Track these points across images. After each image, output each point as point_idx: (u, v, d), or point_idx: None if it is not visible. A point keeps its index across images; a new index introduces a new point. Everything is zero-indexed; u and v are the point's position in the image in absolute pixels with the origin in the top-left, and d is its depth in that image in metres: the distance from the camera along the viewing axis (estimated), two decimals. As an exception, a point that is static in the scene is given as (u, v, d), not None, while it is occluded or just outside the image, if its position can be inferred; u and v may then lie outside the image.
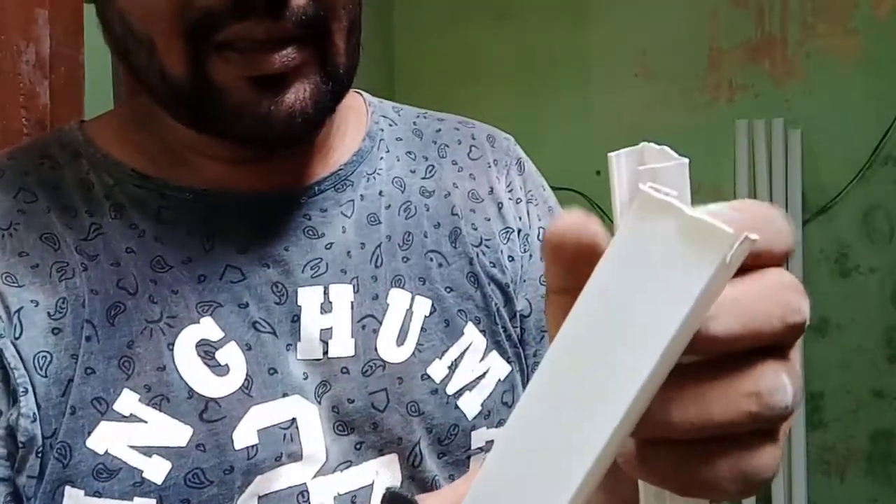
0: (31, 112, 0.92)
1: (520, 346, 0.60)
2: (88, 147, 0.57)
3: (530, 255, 0.62)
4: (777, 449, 0.27)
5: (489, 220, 0.62)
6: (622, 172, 0.29)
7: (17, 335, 0.49)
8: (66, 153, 0.56)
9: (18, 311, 0.49)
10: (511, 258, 0.62)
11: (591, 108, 2.35)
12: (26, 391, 0.48)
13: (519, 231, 0.63)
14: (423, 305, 0.57)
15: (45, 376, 0.49)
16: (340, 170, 0.59)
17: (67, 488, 0.47)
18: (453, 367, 0.57)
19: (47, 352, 0.49)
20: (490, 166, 0.65)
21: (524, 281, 0.62)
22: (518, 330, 0.61)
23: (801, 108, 2.25)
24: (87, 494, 0.47)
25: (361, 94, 0.67)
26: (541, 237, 0.63)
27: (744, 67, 2.31)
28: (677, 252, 0.24)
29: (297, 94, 0.50)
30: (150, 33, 0.49)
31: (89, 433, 0.48)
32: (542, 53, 2.36)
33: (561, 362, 0.26)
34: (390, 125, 0.66)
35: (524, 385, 0.60)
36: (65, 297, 0.50)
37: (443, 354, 0.57)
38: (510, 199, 0.64)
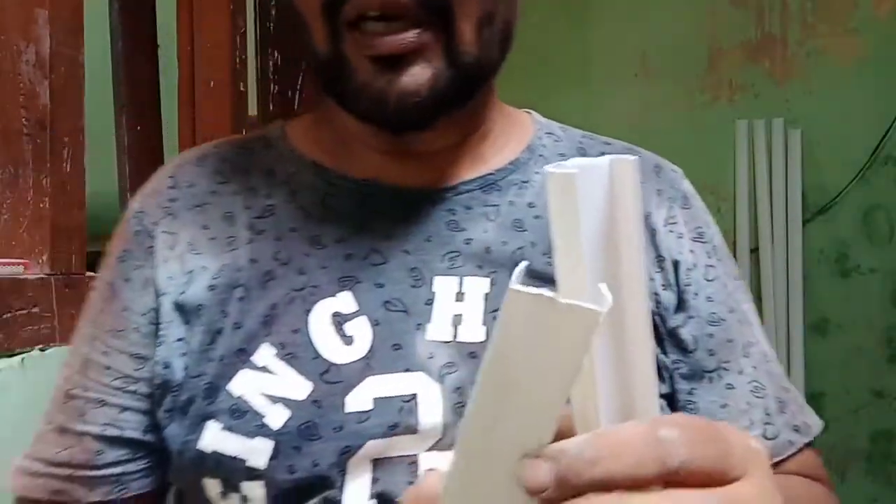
0: (31, 112, 0.92)
1: (668, 373, 0.61)
2: (280, 141, 0.65)
3: (696, 293, 0.62)
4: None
5: None
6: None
7: (184, 291, 0.58)
8: (261, 145, 0.65)
9: (191, 272, 0.58)
10: (664, 286, 0.62)
11: (592, 108, 2.35)
12: (171, 342, 0.57)
13: (676, 263, 0.62)
14: None
15: (200, 326, 0.57)
16: (490, 174, 0.62)
17: (210, 422, 0.54)
18: None
19: (202, 305, 0.57)
20: (650, 195, 0.64)
21: (691, 318, 0.62)
22: (672, 357, 0.61)
23: (801, 108, 2.25)
24: (222, 429, 0.54)
25: (531, 114, 0.70)
26: (709, 277, 0.63)
27: (744, 67, 2.31)
28: (552, 333, 0.29)
29: (414, 76, 0.53)
30: (305, 16, 0.55)
31: (230, 378, 0.54)
32: (542, 53, 2.36)
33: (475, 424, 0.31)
34: (555, 141, 0.67)
35: (672, 408, 0.61)
36: (226, 264, 0.58)
37: None
38: (669, 230, 0.63)
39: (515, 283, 0.29)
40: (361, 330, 0.56)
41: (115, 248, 0.63)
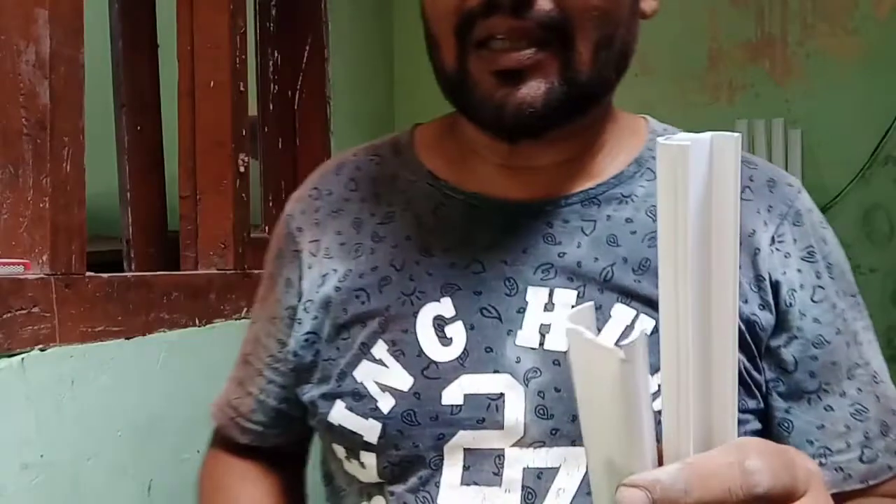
0: (31, 112, 0.91)
1: (760, 390, 0.63)
2: (407, 148, 0.71)
3: (802, 314, 0.63)
4: None
5: (740, 266, 0.59)
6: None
7: (317, 291, 0.67)
8: (390, 151, 0.71)
9: (325, 275, 0.68)
10: (761, 307, 0.62)
11: (591, 108, 2.35)
12: (307, 332, 0.67)
13: (777, 284, 0.63)
14: (646, 324, 0.61)
15: (329, 321, 0.66)
16: (592, 188, 0.65)
17: (338, 401, 0.64)
18: None
19: (330, 302, 0.67)
20: (759, 211, 0.64)
21: (794, 339, 0.63)
22: (769, 375, 0.63)
23: (801, 108, 2.25)
24: (345, 408, 0.64)
25: (647, 120, 0.72)
26: (816, 298, 0.63)
27: (744, 67, 2.31)
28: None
29: (531, 90, 0.57)
30: (436, 34, 0.60)
31: (355, 367, 0.64)
32: (542, 53, 2.36)
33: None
34: None
35: (764, 424, 0.63)
36: (351, 269, 0.67)
37: (656, 372, 0.55)
38: (775, 249, 0.63)
39: (570, 323, 0.34)
40: (458, 333, 0.63)
41: (274, 245, 0.74)
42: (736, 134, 0.33)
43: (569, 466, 0.60)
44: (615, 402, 0.34)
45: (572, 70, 0.58)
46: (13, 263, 0.90)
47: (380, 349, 0.64)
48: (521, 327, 0.62)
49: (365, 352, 0.64)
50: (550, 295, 0.62)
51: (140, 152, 1.35)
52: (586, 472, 0.57)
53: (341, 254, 0.68)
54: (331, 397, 0.65)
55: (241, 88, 1.40)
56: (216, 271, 1.34)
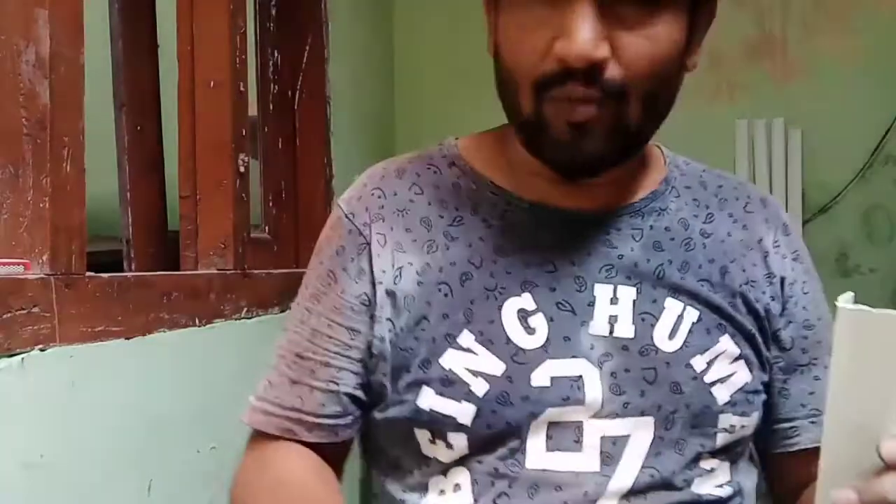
0: (31, 112, 0.91)
1: (769, 366, 0.78)
2: (460, 160, 0.79)
3: (795, 303, 0.79)
4: None
5: (755, 265, 0.78)
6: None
7: (395, 282, 0.74)
8: (444, 162, 0.80)
9: (400, 268, 0.74)
10: (773, 298, 0.78)
11: (591, 108, 2.35)
12: (383, 321, 0.73)
13: (783, 279, 0.79)
14: (692, 314, 0.74)
15: (409, 311, 0.73)
16: (637, 202, 0.78)
17: (425, 387, 0.71)
18: (710, 363, 0.73)
19: (412, 295, 0.73)
20: (761, 223, 0.81)
21: (790, 323, 0.79)
22: (773, 353, 0.78)
23: (801, 108, 2.25)
24: (435, 393, 0.70)
25: (660, 148, 0.84)
26: (805, 290, 0.80)
27: (744, 67, 2.31)
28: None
29: (595, 140, 0.68)
30: (516, 80, 0.69)
31: (440, 355, 0.71)
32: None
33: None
34: (681, 174, 0.82)
35: (768, 394, 0.78)
36: (429, 263, 0.74)
37: (704, 352, 0.73)
38: (776, 252, 0.80)
39: (841, 304, 0.43)
40: (540, 323, 0.72)
41: (331, 244, 0.78)
42: None
43: (638, 433, 0.71)
44: (891, 366, 0.43)
45: (625, 121, 0.68)
46: (13, 263, 0.90)
47: (467, 339, 0.71)
48: (592, 318, 0.73)
49: (451, 341, 0.71)
50: (614, 290, 0.74)
51: (140, 152, 1.35)
52: (653, 438, 0.71)
53: (414, 248, 0.75)
54: (417, 384, 0.71)
55: (241, 88, 1.40)
56: (216, 271, 1.34)
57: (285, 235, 1.72)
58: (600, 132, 0.68)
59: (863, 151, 2.23)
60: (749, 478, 0.78)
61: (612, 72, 0.66)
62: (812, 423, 0.78)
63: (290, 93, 1.78)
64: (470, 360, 0.71)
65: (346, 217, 0.77)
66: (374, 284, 0.74)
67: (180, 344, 1.15)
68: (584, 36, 0.64)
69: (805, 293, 0.80)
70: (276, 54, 1.73)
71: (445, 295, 0.73)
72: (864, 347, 0.45)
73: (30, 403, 0.87)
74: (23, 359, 0.86)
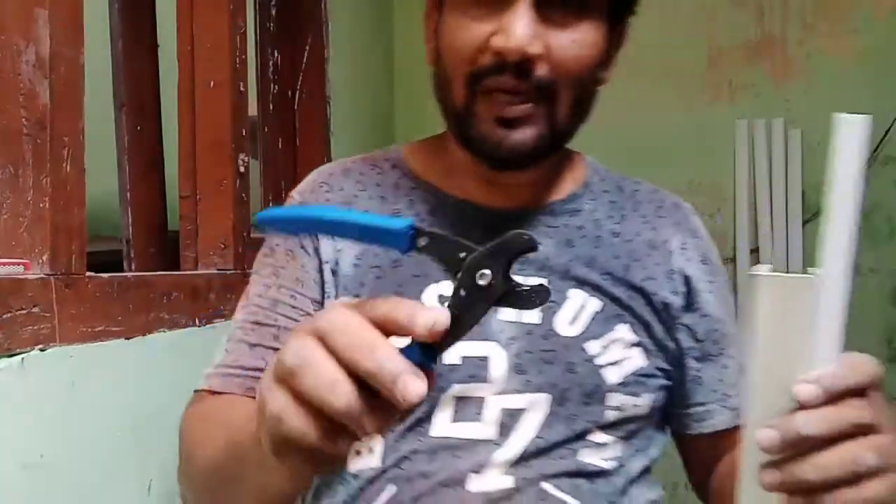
0: (31, 112, 0.91)
1: (666, 352, 0.85)
2: (402, 163, 0.88)
3: (706, 301, 0.87)
4: (877, 486, 0.52)
5: (658, 264, 0.86)
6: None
7: (337, 263, 0.82)
8: (388, 164, 0.89)
9: (340, 250, 0.82)
10: (674, 293, 0.86)
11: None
12: (331, 298, 0.81)
13: (688, 278, 0.87)
14: (594, 304, 0.82)
15: (346, 290, 0.81)
16: (552, 203, 0.86)
17: None
18: (605, 348, 0.81)
19: (348, 275, 0.81)
20: (669, 226, 0.89)
21: (703, 317, 0.87)
22: (686, 344, 0.86)
23: (801, 108, 2.25)
24: None
25: (583, 155, 0.93)
26: (711, 290, 0.87)
27: (744, 67, 2.31)
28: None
29: (524, 135, 0.75)
30: (449, 75, 0.77)
31: None
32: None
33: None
34: (601, 180, 0.91)
35: (681, 381, 0.87)
36: (366, 248, 0.81)
37: (599, 338, 0.81)
38: (682, 253, 0.88)
39: (758, 271, 0.52)
40: None
41: None
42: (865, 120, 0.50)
43: (535, 407, 0.78)
44: (803, 322, 0.51)
45: (554, 120, 0.76)
46: (13, 263, 0.90)
47: None
48: None
49: None
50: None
51: (140, 152, 1.35)
52: (548, 412, 0.78)
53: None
54: None
55: (241, 88, 1.40)
56: (216, 271, 1.34)
57: (285, 235, 1.72)
58: (529, 129, 0.75)
59: (863, 151, 2.23)
60: (646, 453, 0.85)
61: (542, 69, 0.73)
62: (723, 406, 0.87)
63: (290, 93, 1.78)
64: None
65: (300, 204, 0.87)
66: (321, 263, 0.82)
67: (180, 344, 1.15)
68: (520, 31, 0.71)
69: (711, 292, 0.87)
70: (276, 54, 1.73)
71: (378, 277, 0.81)
72: (780, 308, 0.52)
73: (30, 403, 0.87)
74: (23, 359, 0.85)
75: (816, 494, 0.52)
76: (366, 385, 0.46)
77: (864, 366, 0.55)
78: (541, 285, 0.51)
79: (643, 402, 0.82)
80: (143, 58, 1.37)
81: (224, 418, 0.74)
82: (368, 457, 0.79)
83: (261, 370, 0.76)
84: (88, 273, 0.98)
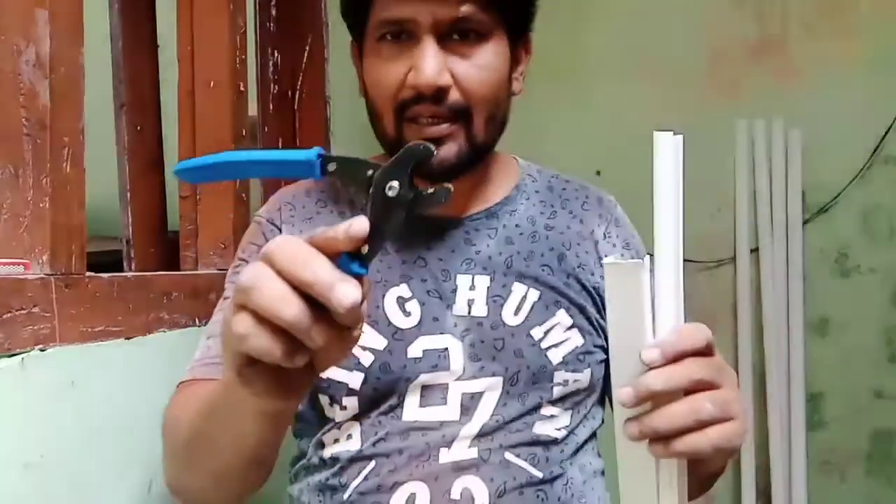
0: (31, 112, 0.91)
1: (600, 330, 0.95)
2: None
3: None
4: (718, 431, 0.63)
5: (588, 252, 0.97)
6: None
7: None
8: (343, 184, 0.98)
9: None
10: (602, 277, 0.93)
11: (591, 109, 2.35)
12: None
13: None
14: (533, 295, 0.93)
15: None
16: (492, 207, 0.97)
17: None
18: (547, 332, 0.92)
19: None
20: (595, 217, 1.00)
21: None
22: (603, 321, 0.94)
23: (801, 108, 2.25)
24: (337, 366, 0.86)
25: (517, 160, 1.04)
26: None
27: (744, 67, 2.31)
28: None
29: (448, 151, 0.87)
30: (378, 109, 0.90)
31: None
32: (541, 53, 2.35)
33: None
34: (533, 181, 1.02)
35: (604, 351, 0.96)
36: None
37: (542, 324, 0.92)
38: (607, 241, 0.99)
39: (610, 260, 0.64)
40: (414, 308, 0.91)
41: (254, 241, 0.98)
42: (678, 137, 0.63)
43: (491, 390, 0.89)
44: (640, 299, 0.62)
45: (472, 137, 0.88)
46: (13, 263, 0.90)
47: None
48: (455, 302, 0.92)
49: None
50: (472, 279, 0.93)
51: (140, 152, 1.35)
52: (501, 392, 0.89)
53: None
54: None
55: (241, 88, 1.40)
56: (216, 271, 1.34)
57: (285, 235, 1.72)
58: (451, 145, 0.87)
59: (863, 151, 2.23)
60: (589, 422, 0.96)
61: (454, 95, 0.86)
62: None
63: (290, 93, 1.78)
64: (362, 339, 0.83)
65: (266, 221, 0.98)
66: None
67: (180, 344, 1.15)
68: (429, 69, 0.84)
69: None
70: (276, 54, 1.73)
71: None
72: (623, 288, 0.63)
73: (30, 403, 0.87)
74: (23, 359, 0.85)
75: (668, 441, 0.62)
76: (313, 301, 0.52)
77: (697, 332, 0.63)
78: (443, 185, 0.57)
79: (584, 377, 0.92)
80: (143, 58, 1.37)
81: (200, 392, 0.80)
82: (346, 442, 0.90)
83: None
84: (88, 273, 0.98)
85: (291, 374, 0.56)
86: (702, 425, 0.62)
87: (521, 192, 1.00)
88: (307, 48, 1.78)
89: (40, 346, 0.88)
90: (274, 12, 1.72)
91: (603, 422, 0.98)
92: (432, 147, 0.58)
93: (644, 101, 2.31)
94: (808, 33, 2.27)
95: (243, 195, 1.40)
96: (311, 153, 0.58)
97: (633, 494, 0.66)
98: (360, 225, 0.54)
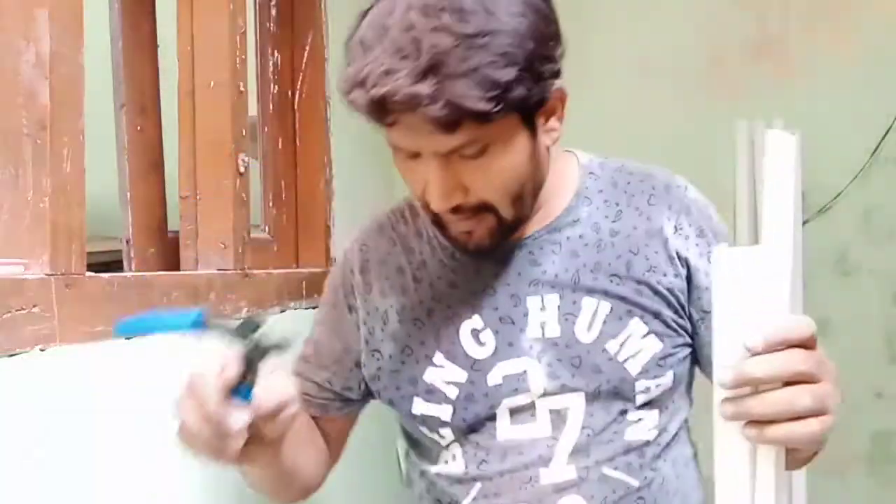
0: (31, 112, 0.91)
1: (680, 330, 0.96)
2: (422, 210, 0.96)
3: (705, 273, 0.95)
4: (812, 424, 0.65)
5: (657, 252, 0.96)
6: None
7: (384, 326, 1.01)
8: (412, 213, 1.04)
9: (385, 311, 1.01)
10: (676, 276, 0.96)
11: (591, 109, 2.34)
12: (369, 350, 1.02)
13: (684, 259, 0.96)
14: (605, 308, 0.94)
15: (391, 342, 1.00)
16: (553, 222, 0.98)
17: (416, 398, 0.98)
18: (622, 344, 0.93)
19: (396, 331, 1.00)
20: (663, 211, 0.98)
21: (707, 289, 0.94)
22: (683, 321, 0.96)
23: (801, 108, 2.25)
24: (423, 401, 0.97)
25: (576, 155, 1.03)
26: (711, 260, 0.89)
27: (744, 67, 2.31)
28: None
29: (480, 237, 0.91)
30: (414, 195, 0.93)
31: (423, 373, 0.98)
32: (542, 53, 2.35)
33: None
34: (595, 179, 1.00)
35: (699, 345, 0.97)
36: (404, 305, 1.00)
37: (616, 336, 0.93)
38: (677, 235, 0.97)
39: (722, 247, 0.65)
40: (488, 337, 0.96)
41: (335, 278, 1.08)
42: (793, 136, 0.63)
43: (574, 406, 0.93)
44: (755, 284, 0.63)
45: (502, 220, 0.90)
46: (13, 263, 0.90)
47: (439, 357, 0.97)
48: (527, 325, 0.95)
49: (429, 362, 0.97)
50: (542, 300, 0.95)
51: (140, 152, 1.35)
52: (586, 406, 0.92)
53: (394, 293, 1.00)
54: (410, 396, 0.98)
55: (241, 88, 1.40)
56: (216, 271, 1.33)
57: (285, 235, 1.72)
58: (483, 233, 0.90)
59: (863, 152, 2.23)
60: (678, 415, 0.98)
61: (471, 200, 0.87)
62: None
63: (290, 93, 1.78)
64: (443, 373, 0.96)
65: (346, 262, 1.06)
66: (357, 319, 1.03)
67: (180, 344, 1.15)
68: (436, 197, 0.86)
69: (710, 262, 0.92)
70: (276, 54, 1.73)
71: (419, 328, 0.98)
72: (733, 274, 0.64)
73: (30, 403, 0.87)
74: (23, 359, 0.85)
75: (763, 427, 0.62)
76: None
77: (802, 323, 0.64)
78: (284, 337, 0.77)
79: (666, 380, 0.94)
80: (143, 58, 1.37)
81: None
82: (453, 463, 0.98)
83: (307, 394, 1.04)
84: (88, 273, 0.98)
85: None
86: (797, 416, 0.63)
87: (583, 197, 0.99)
88: (307, 48, 1.78)
89: (40, 346, 0.88)
90: (274, 12, 1.72)
91: (691, 404, 1.01)
92: (256, 321, 0.78)
93: (644, 101, 2.31)
94: (808, 33, 2.27)
95: (243, 195, 1.40)
96: (195, 315, 0.81)
97: (728, 472, 0.67)
98: (229, 366, 0.74)
